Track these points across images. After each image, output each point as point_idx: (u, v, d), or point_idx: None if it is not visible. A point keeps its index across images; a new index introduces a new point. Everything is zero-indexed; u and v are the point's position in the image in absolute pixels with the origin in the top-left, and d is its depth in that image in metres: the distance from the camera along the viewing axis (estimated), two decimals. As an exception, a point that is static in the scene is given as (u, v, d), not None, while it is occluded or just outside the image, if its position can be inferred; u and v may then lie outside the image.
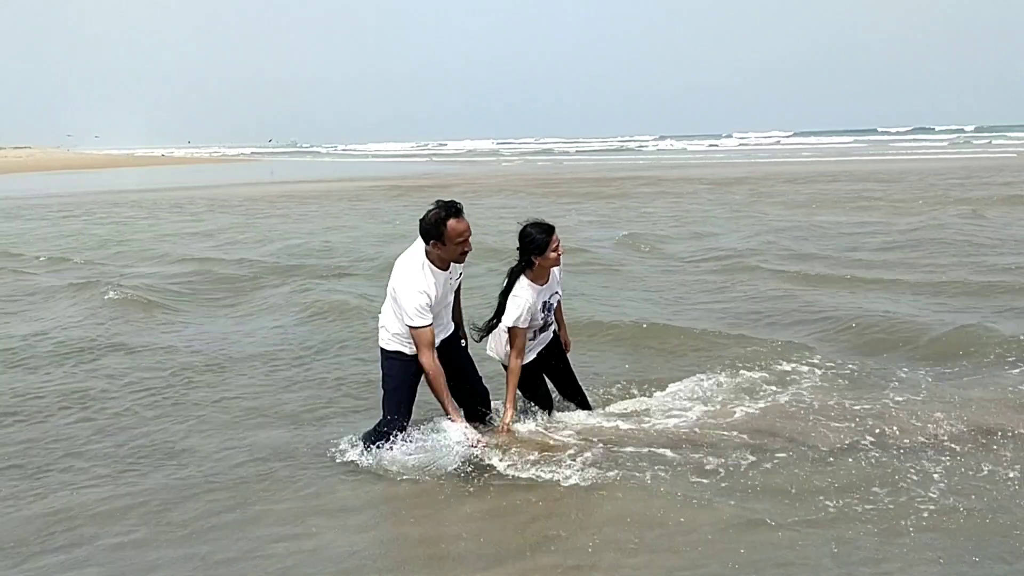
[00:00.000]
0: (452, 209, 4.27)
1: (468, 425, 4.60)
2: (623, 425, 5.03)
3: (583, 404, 5.21)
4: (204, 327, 8.35)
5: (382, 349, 4.56)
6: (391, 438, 4.55)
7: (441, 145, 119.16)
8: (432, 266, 4.37)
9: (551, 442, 4.74)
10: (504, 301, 4.70)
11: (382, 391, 4.58)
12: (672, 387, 5.74)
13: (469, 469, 4.41)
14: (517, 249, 4.69)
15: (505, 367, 4.89)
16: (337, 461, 4.66)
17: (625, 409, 5.33)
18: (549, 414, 5.02)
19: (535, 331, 4.84)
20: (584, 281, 9.94)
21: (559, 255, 4.69)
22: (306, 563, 3.67)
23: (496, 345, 4.89)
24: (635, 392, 5.72)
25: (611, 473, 4.36)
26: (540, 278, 4.72)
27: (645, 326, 7.45)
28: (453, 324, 4.73)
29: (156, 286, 10.39)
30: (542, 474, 4.36)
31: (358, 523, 4.06)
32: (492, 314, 4.79)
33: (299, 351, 7.19)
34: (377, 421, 4.66)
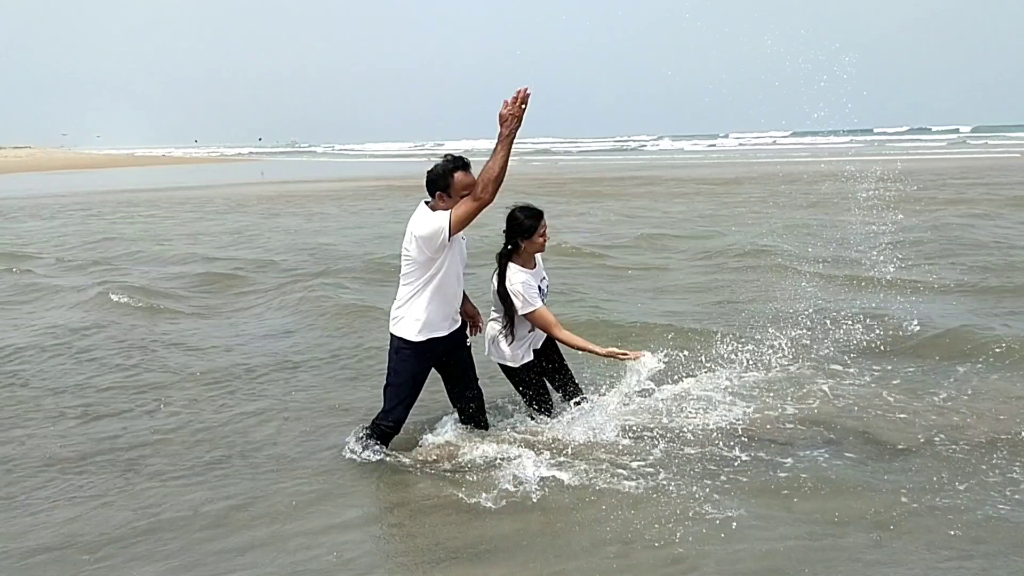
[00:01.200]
0: (460, 162, 4.31)
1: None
2: (678, 422, 5.08)
3: (575, 395, 5.17)
4: (256, 324, 8.44)
5: (396, 338, 4.55)
6: (388, 433, 4.61)
7: (438, 145, 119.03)
8: None
9: (612, 444, 4.76)
10: (505, 294, 4.71)
11: (387, 383, 4.59)
12: (717, 383, 5.78)
13: (531, 474, 4.38)
14: (503, 232, 4.75)
15: (503, 367, 4.91)
16: (413, 458, 4.70)
17: (676, 407, 5.36)
18: (550, 417, 5.00)
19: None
20: (628, 284, 9.99)
21: (545, 240, 4.76)
22: (387, 554, 3.78)
23: (494, 349, 4.91)
24: (683, 388, 5.72)
25: (681, 473, 4.39)
26: (527, 263, 4.77)
27: (687, 326, 7.50)
28: (461, 320, 4.72)
29: (198, 284, 10.51)
30: (610, 478, 4.36)
31: (429, 520, 4.11)
32: (503, 309, 4.77)
33: (355, 346, 7.27)
34: (377, 414, 4.67)
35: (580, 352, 4.83)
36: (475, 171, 4.33)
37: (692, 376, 5.91)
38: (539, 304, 4.70)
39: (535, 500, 4.16)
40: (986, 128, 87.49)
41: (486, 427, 4.85)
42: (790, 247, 12.11)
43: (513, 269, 4.72)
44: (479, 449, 4.69)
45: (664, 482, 4.28)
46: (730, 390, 5.66)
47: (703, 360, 6.37)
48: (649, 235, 13.97)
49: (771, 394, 5.58)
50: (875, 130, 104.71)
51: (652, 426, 4.99)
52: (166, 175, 48.96)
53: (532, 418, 5.02)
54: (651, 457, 4.57)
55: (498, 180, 4.13)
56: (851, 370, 6.15)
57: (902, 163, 37.58)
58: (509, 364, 4.88)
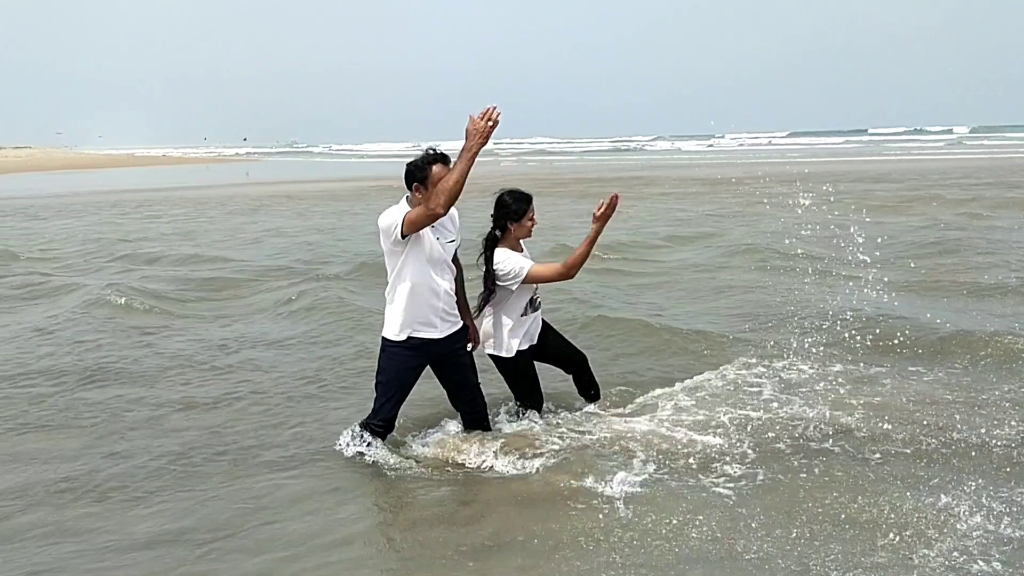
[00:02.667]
0: (439, 156, 4.35)
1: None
2: (761, 416, 5.15)
3: (588, 383, 5.22)
4: (324, 319, 8.45)
5: (382, 337, 4.58)
6: (378, 432, 4.66)
7: (435, 146, 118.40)
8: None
9: (703, 444, 4.79)
10: (494, 277, 4.74)
11: (376, 380, 4.63)
12: (778, 379, 5.84)
13: (623, 488, 4.31)
14: (491, 216, 4.81)
15: (495, 359, 4.92)
16: (487, 452, 4.69)
17: (757, 403, 5.42)
18: (540, 415, 5.01)
19: (527, 306, 4.87)
20: (671, 288, 9.97)
21: (533, 224, 4.81)
22: (465, 542, 3.81)
23: (488, 341, 4.93)
24: (740, 384, 5.80)
25: (782, 471, 4.42)
26: (515, 249, 4.81)
27: (743, 331, 7.50)
28: (461, 322, 4.69)
29: (252, 281, 10.59)
30: (711, 477, 4.38)
31: (506, 516, 4.10)
32: (484, 288, 4.81)
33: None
34: (368, 413, 4.72)
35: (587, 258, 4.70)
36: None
37: (744, 374, 5.98)
38: (528, 263, 4.74)
39: (615, 499, 4.18)
40: (983, 129, 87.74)
41: (488, 428, 4.85)
42: (825, 249, 12.08)
43: (501, 250, 4.76)
44: (517, 447, 4.68)
45: (764, 479, 4.34)
46: (795, 388, 5.72)
47: (761, 358, 6.43)
48: (679, 236, 13.94)
49: (834, 392, 5.62)
50: (870, 131, 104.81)
51: (729, 422, 5.06)
52: (171, 175, 48.75)
53: (522, 414, 5.01)
54: (744, 460, 4.59)
55: (453, 193, 4.09)
56: (918, 368, 6.18)
57: (909, 163, 37.80)
58: (502, 355, 4.87)
